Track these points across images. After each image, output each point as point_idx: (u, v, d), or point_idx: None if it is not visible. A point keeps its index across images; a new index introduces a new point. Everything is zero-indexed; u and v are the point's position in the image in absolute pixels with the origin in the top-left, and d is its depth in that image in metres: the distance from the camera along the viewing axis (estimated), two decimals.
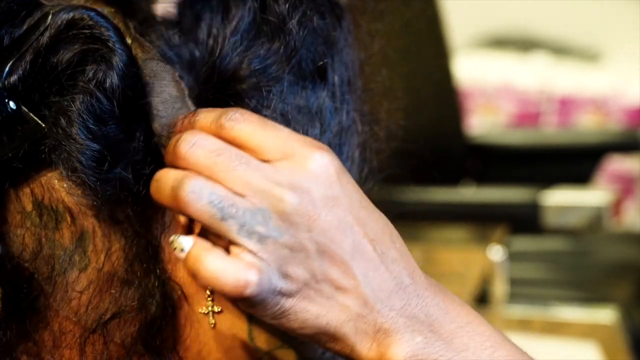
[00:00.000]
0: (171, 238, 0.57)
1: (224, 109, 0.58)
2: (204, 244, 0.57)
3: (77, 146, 0.57)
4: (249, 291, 0.55)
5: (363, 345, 0.58)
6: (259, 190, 0.56)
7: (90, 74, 0.57)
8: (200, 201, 0.56)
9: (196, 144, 0.57)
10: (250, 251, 0.56)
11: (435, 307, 0.59)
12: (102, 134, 0.57)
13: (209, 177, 0.56)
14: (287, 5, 0.62)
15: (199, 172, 0.56)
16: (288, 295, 0.57)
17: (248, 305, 0.57)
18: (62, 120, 0.57)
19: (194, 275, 0.56)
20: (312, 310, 0.58)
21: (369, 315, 0.58)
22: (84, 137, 0.57)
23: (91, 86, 0.57)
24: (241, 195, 0.56)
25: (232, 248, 0.56)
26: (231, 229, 0.56)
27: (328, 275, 0.57)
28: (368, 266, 0.58)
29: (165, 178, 0.57)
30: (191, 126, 0.58)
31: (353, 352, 0.59)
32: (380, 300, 0.58)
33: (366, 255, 0.58)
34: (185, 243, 0.57)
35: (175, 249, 0.57)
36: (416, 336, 0.58)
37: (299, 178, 0.56)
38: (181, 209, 0.56)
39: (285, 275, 0.57)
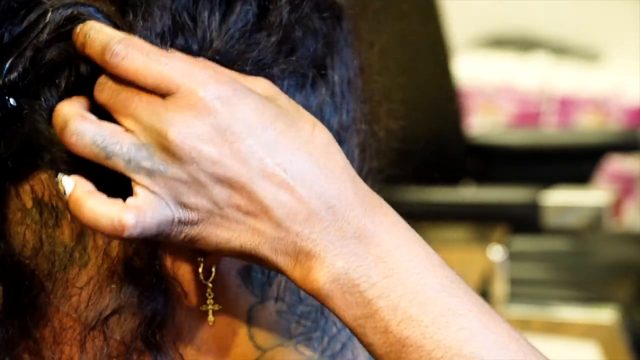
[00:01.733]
0: (57, 178, 0.58)
1: (109, 37, 0.57)
2: (84, 186, 0.57)
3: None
4: (126, 233, 0.56)
5: (287, 265, 0.57)
6: (146, 126, 0.57)
7: (88, 69, 0.58)
8: (83, 141, 0.56)
9: (99, 85, 0.58)
10: (142, 185, 0.57)
11: (361, 229, 0.57)
12: None
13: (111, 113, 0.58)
14: (286, 4, 0.62)
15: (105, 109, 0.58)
16: (192, 223, 0.57)
17: (149, 238, 0.57)
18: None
19: (75, 218, 0.57)
20: (222, 235, 0.57)
21: (286, 237, 0.57)
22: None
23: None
24: (131, 132, 0.57)
25: (132, 182, 0.57)
26: (119, 165, 0.57)
27: (232, 202, 0.57)
28: (278, 190, 0.57)
29: (57, 116, 0.58)
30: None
31: (279, 270, 0.58)
32: (296, 222, 0.57)
33: (275, 179, 0.57)
34: (67, 185, 0.57)
35: (59, 190, 0.58)
36: (338, 260, 0.57)
37: (181, 112, 0.56)
38: (69, 149, 0.57)
39: (184, 206, 0.57)
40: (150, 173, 0.57)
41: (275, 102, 0.59)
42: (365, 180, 0.70)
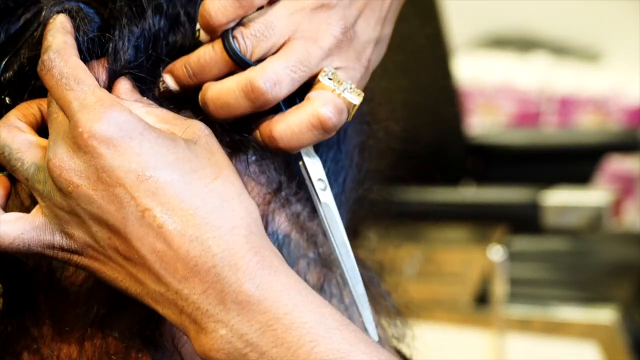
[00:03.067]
0: None
1: (48, 45, 0.57)
2: None
3: None
4: (3, 246, 0.56)
5: (175, 321, 0.55)
6: (46, 147, 0.57)
7: None
8: None
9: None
10: (39, 204, 0.57)
11: (244, 294, 0.54)
12: None
13: None
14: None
15: None
16: (75, 252, 0.57)
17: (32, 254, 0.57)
18: None
19: None
20: (107, 273, 0.56)
21: (166, 293, 0.55)
22: None
23: None
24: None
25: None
26: (21, 180, 0.57)
27: (111, 243, 0.56)
28: (156, 241, 0.54)
29: None
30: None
31: (173, 323, 0.56)
32: (175, 279, 0.54)
33: (152, 229, 0.54)
34: None
35: None
36: (220, 328, 0.54)
37: (67, 144, 0.56)
38: None
39: (66, 235, 0.56)
40: (41, 196, 0.57)
41: (188, 146, 0.56)
42: (364, 180, 0.70)
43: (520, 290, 1.86)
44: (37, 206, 0.57)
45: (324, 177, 0.61)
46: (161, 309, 0.56)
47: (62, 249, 0.57)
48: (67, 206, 0.56)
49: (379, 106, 0.72)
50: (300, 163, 0.61)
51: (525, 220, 1.78)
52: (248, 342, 0.54)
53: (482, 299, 1.76)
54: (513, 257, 1.87)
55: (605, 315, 1.78)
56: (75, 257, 0.57)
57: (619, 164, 2.90)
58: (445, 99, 2.00)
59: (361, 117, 0.69)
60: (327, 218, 0.61)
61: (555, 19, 3.22)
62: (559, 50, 3.19)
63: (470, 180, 2.06)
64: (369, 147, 0.70)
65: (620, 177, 2.93)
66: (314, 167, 0.61)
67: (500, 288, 1.74)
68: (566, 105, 3.04)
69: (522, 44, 3.20)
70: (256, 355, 0.54)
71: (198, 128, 0.58)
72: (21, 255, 0.59)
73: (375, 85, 0.72)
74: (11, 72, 0.58)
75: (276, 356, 0.54)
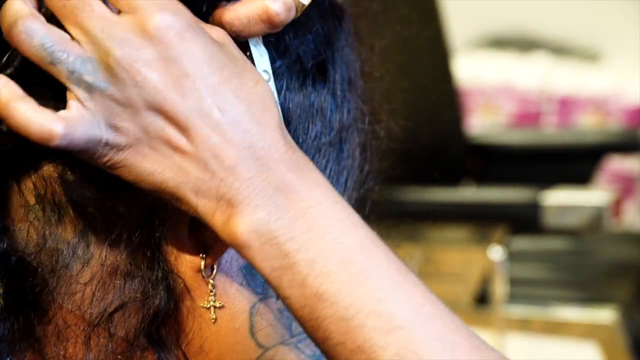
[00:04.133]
0: None
1: None
2: (14, 90, 0.56)
3: None
4: (54, 143, 0.55)
5: (206, 210, 0.57)
6: (95, 39, 0.56)
7: None
8: (32, 42, 0.55)
9: None
10: (78, 99, 0.56)
11: (286, 183, 0.57)
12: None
13: (59, 18, 0.56)
14: None
15: (53, 12, 0.56)
16: (117, 148, 0.56)
17: (74, 153, 0.56)
18: (61, 106, 0.57)
19: (4, 119, 0.56)
20: (145, 166, 0.56)
21: (210, 181, 0.56)
22: None
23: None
24: (78, 42, 0.56)
25: (68, 93, 0.56)
26: (61, 74, 0.56)
27: (163, 134, 0.56)
28: (211, 131, 0.56)
29: (7, 11, 0.56)
30: None
31: (198, 214, 0.57)
32: (223, 168, 0.56)
33: (210, 120, 0.56)
34: None
35: None
36: (259, 211, 0.56)
37: (133, 34, 0.55)
38: (15, 48, 0.56)
39: (114, 128, 0.56)
40: (89, 88, 0.56)
41: (227, 50, 0.58)
42: (366, 180, 0.70)
43: (520, 290, 1.86)
44: (74, 101, 0.56)
45: (269, 69, 0.62)
46: (196, 198, 0.57)
47: (107, 144, 0.56)
48: (122, 97, 0.56)
49: (380, 106, 0.72)
50: (248, 54, 0.61)
51: (525, 220, 1.78)
52: (282, 225, 0.56)
53: (482, 299, 1.77)
54: (513, 257, 1.87)
55: (605, 315, 1.78)
56: (114, 153, 0.56)
57: (619, 164, 2.90)
58: (445, 99, 2.00)
59: (362, 117, 0.69)
60: None
61: (555, 19, 3.22)
62: (559, 50, 3.19)
63: (470, 180, 2.06)
64: (370, 148, 0.70)
65: (620, 177, 2.94)
66: (260, 59, 0.62)
67: (500, 288, 1.74)
68: (566, 105, 3.04)
69: (522, 44, 3.20)
70: (287, 238, 0.56)
71: (223, 34, 0.59)
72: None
73: (376, 85, 0.72)
74: (12, 68, 0.58)
75: (305, 240, 0.56)
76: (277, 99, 0.61)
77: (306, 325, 0.57)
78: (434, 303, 0.58)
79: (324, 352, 0.57)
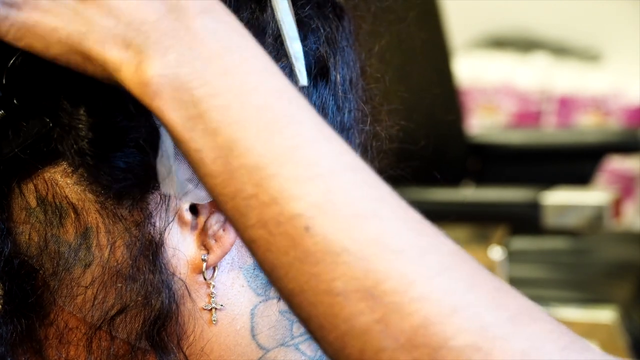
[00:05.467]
0: None
1: None
2: None
3: (84, 130, 0.57)
4: None
5: (114, 60, 0.53)
6: None
7: None
8: None
9: None
10: None
11: (200, 24, 0.52)
12: (107, 122, 0.58)
13: None
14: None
15: None
16: (16, 6, 0.54)
17: None
18: (68, 107, 0.58)
19: None
20: (48, 23, 0.53)
21: (115, 27, 0.53)
22: (90, 122, 0.57)
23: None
24: None
25: None
26: None
27: None
28: None
29: None
30: None
31: (106, 67, 0.53)
32: (127, 11, 0.53)
33: None
34: None
35: None
36: (170, 53, 0.52)
37: None
38: None
39: None
40: None
41: None
42: None
43: (520, 290, 1.86)
44: None
45: None
46: (102, 48, 0.53)
47: (3, 2, 0.54)
48: None
49: (381, 106, 0.72)
50: None
51: (525, 220, 1.78)
52: (194, 68, 0.52)
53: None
54: (513, 257, 1.87)
55: (605, 315, 1.78)
56: (15, 14, 0.54)
57: (619, 164, 2.90)
58: (446, 99, 2.00)
59: (363, 118, 0.69)
60: None
61: (555, 19, 3.23)
62: (559, 50, 3.19)
63: (470, 180, 2.06)
64: (371, 148, 0.70)
65: (620, 177, 2.94)
66: None
67: None
68: (566, 105, 3.04)
69: (522, 44, 3.20)
70: (200, 82, 0.52)
71: None
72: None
73: (376, 85, 0.72)
74: (19, 72, 0.58)
75: (220, 85, 0.52)
76: None
77: (217, 180, 0.52)
78: (356, 158, 0.53)
79: (233, 209, 0.52)
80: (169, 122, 0.52)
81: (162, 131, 0.57)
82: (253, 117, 0.52)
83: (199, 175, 0.53)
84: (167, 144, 0.57)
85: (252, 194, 0.51)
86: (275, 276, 0.52)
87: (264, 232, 0.51)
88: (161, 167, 0.58)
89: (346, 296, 0.50)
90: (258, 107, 0.52)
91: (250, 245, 0.52)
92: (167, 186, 0.58)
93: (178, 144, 0.53)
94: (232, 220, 0.52)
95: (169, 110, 0.52)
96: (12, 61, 0.58)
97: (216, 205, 0.60)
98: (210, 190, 0.53)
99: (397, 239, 0.51)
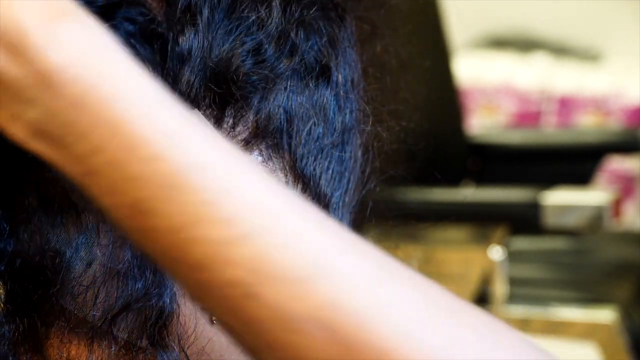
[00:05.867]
0: None
1: None
2: None
3: None
4: None
5: None
6: None
7: None
8: None
9: None
10: None
11: (53, 63, 0.43)
12: None
13: None
14: (290, 4, 0.62)
15: None
16: None
17: None
18: None
19: None
20: None
21: None
22: None
23: None
24: None
25: None
26: None
27: None
28: None
29: None
30: None
31: None
32: None
33: None
34: None
35: None
36: (28, 109, 0.44)
37: None
38: None
39: None
40: None
41: None
42: (367, 181, 0.70)
43: (520, 290, 1.86)
44: None
45: None
46: None
47: None
48: None
49: (382, 107, 0.73)
50: None
51: (525, 220, 1.78)
52: (62, 121, 0.44)
53: (482, 299, 1.76)
54: (513, 257, 1.87)
55: (605, 315, 1.78)
56: None
57: (619, 164, 2.90)
58: (446, 99, 2.00)
59: (365, 118, 0.69)
60: None
61: (555, 19, 3.23)
62: (559, 50, 3.19)
63: (470, 180, 2.06)
64: (372, 149, 0.70)
65: (620, 177, 2.94)
66: None
67: (500, 288, 1.74)
68: (566, 105, 3.04)
69: (522, 44, 3.20)
70: (74, 138, 0.44)
71: None
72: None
73: (377, 86, 0.73)
74: None
75: (95, 138, 0.43)
76: None
77: (134, 238, 0.46)
78: (283, 188, 0.45)
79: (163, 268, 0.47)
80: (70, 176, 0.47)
81: None
82: (146, 170, 0.44)
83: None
84: None
85: (175, 257, 0.45)
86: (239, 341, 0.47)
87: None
88: None
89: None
90: (146, 158, 0.44)
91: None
92: None
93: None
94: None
95: (64, 167, 0.46)
96: None
97: None
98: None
99: (354, 295, 0.44)
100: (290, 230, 0.44)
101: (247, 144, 0.62)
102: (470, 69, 3.01)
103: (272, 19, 0.62)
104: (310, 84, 0.64)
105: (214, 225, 0.44)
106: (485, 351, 0.46)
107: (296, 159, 0.63)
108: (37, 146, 0.45)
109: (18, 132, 0.45)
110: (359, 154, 0.69)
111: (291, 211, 0.45)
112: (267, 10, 0.62)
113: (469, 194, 1.93)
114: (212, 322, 0.62)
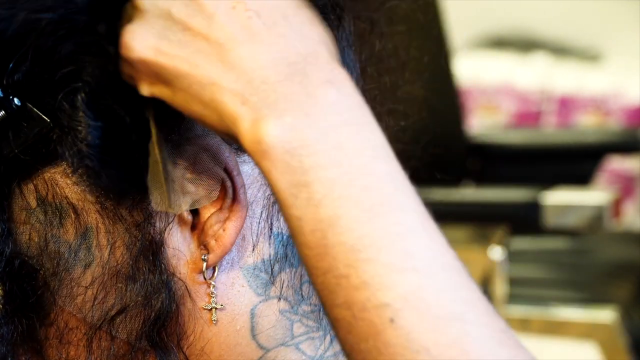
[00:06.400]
0: None
1: None
2: None
3: (83, 132, 0.57)
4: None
5: (231, 115, 0.52)
6: None
7: (94, 66, 0.57)
8: None
9: None
10: None
11: (322, 92, 0.52)
12: (105, 123, 0.58)
13: None
14: None
15: None
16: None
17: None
18: (68, 108, 0.58)
19: None
20: (163, 47, 0.53)
21: (235, 83, 0.52)
22: (89, 122, 0.57)
23: (91, 77, 0.57)
24: None
25: None
26: None
27: (187, 22, 0.53)
28: (240, 31, 0.52)
29: None
30: None
31: (224, 121, 0.53)
32: (250, 68, 0.52)
33: (240, 20, 0.53)
34: None
35: None
36: (286, 116, 0.51)
37: None
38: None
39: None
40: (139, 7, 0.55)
41: None
42: None
43: (520, 290, 1.86)
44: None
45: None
46: (221, 100, 0.53)
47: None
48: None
49: (381, 107, 0.72)
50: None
51: (525, 220, 1.78)
52: (308, 135, 0.51)
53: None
54: (513, 257, 1.87)
55: (605, 315, 1.78)
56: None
57: (619, 164, 2.90)
58: (446, 99, 2.00)
59: None
60: None
61: (555, 19, 3.23)
62: (559, 50, 3.19)
63: (470, 180, 2.06)
64: None
65: (620, 177, 2.94)
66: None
67: (500, 288, 1.74)
68: (566, 105, 3.04)
69: (522, 44, 3.20)
70: (312, 150, 0.51)
71: None
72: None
73: (376, 86, 0.72)
74: (19, 73, 0.58)
75: (331, 158, 0.51)
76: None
77: (312, 252, 0.52)
78: (454, 257, 0.52)
79: (322, 284, 0.52)
80: (274, 184, 0.52)
81: (151, 144, 0.57)
82: (359, 196, 0.51)
83: (295, 242, 0.52)
84: (158, 154, 0.57)
85: (344, 274, 0.51)
86: (353, 359, 0.52)
87: (348, 314, 0.51)
88: (150, 182, 0.58)
89: None
90: (365, 187, 0.51)
91: (333, 323, 0.52)
92: (155, 202, 0.58)
93: (281, 207, 0.52)
94: (319, 294, 0.52)
95: (277, 172, 0.52)
96: (12, 64, 0.58)
97: (216, 205, 0.60)
98: (303, 260, 0.52)
99: (478, 347, 0.50)
100: (449, 280, 0.51)
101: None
102: (470, 69, 3.01)
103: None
104: None
105: (393, 253, 0.50)
106: None
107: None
108: (267, 144, 0.52)
109: (262, 130, 0.51)
110: None
111: (456, 269, 0.52)
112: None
113: (469, 194, 1.93)
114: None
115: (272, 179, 0.52)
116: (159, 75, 0.54)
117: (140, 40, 0.54)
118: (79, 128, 0.57)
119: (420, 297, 0.50)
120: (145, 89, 0.55)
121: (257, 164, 0.52)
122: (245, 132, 0.52)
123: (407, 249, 0.51)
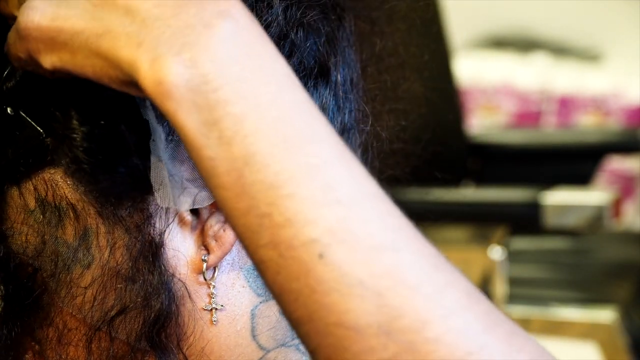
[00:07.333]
0: None
1: None
2: None
3: (78, 139, 0.57)
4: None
5: (128, 61, 0.50)
6: None
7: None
8: None
9: None
10: None
11: (219, 23, 0.50)
12: (101, 129, 0.57)
13: None
14: (291, 5, 0.62)
15: None
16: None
17: None
18: (61, 117, 0.57)
19: None
20: (68, 26, 0.51)
21: (130, 26, 0.50)
22: (84, 130, 0.57)
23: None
24: None
25: None
26: None
27: None
28: None
29: None
30: None
31: (124, 72, 0.50)
32: (143, 8, 0.50)
33: None
34: None
35: None
36: (184, 51, 0.49)
37: None
38: None
39: None
40: None
41: None
42: None
43: (520, 290, 1.86)
44: None
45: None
46: (114, 48, 0.50)
47: None
48: None
49: (381, 106, 0.72)
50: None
51: (525, 220, 1.78)
52: (212, 69, 0.49)
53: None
54: (513, 257, 1.87)
55: (605, 315, 1.78)
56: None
57: (619, 164, 2.90)
58: (446, 99, 2.00)
59: (364, 118, 0.69)
60: None
61: (555, 19, 3.23)
62: (559, 50, 3.19)
63: (470, 180, 2.06)
64: (371, 148, 0.70)
65: (620, 177, 2.94)
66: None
67: (500, 288, 1.74)
68: (566, 105, 3.04)
69: (522, 44, 3.20)
70: (215, 85, 0.49)
71: None
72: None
73: (376, 86, 0.72)
74: (13, 82, 0.58)
75: (238, 91, 0.49)
76: None
77: (229, 193, 0.49)
78: (375, 185, 0.50)
79: (244, 226, 0.50)
80: (182, 126, 0.50)
81: (153, 143, 0.57)
82: (271, 130, 0.49)
83: (210, 186, 0.50)
84: (160, 153, 0.57)
85: (265, 212, 0.49)
86: (284, 301, 0.50)
87: (274, 254, 0.49)
88: (154, 179, 0.57)
89: (358, 331, 0.48)
90: (276, 120, 0.49)
91: (259, 265, 0.50)
92: (161, 198, 0.58)
93: (190, 149, 0.50)
94: (241, 237, 0.50)
95: (183, 112, 0.49)
96: (5, 73, 0.58)
97: (217, 205, 0.60)
98: (221, 203, 0.50)
99: (414, 273, 0.49)
100: (374, 209, 0.49)
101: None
102: (470, 69, 3.01)
103: (273, 21, 0.62)
104: (309, 84, 0.64)
105: (313, 187, 0.49)
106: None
107: None
108: (170, 83, 0.49)
109: (162, 70, 0.49)
110: (359, 154, 0.69)
111: (379, 197, 0.50)
112: (268, 11, 0.62)
113: (469, 194, 1.93)
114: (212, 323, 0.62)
115: (179, 120, 0.49)
116: (55, 40, 0.52)
117: (39, 13, 0.52)
118: (74, 135, 0.57)
119: (347, 229, 0.48)
120: (47, 60, 0.53)
121: (161, 108, 0.50)
122: (145, 74, 0.49)
123: (327, 181, 0.49)
